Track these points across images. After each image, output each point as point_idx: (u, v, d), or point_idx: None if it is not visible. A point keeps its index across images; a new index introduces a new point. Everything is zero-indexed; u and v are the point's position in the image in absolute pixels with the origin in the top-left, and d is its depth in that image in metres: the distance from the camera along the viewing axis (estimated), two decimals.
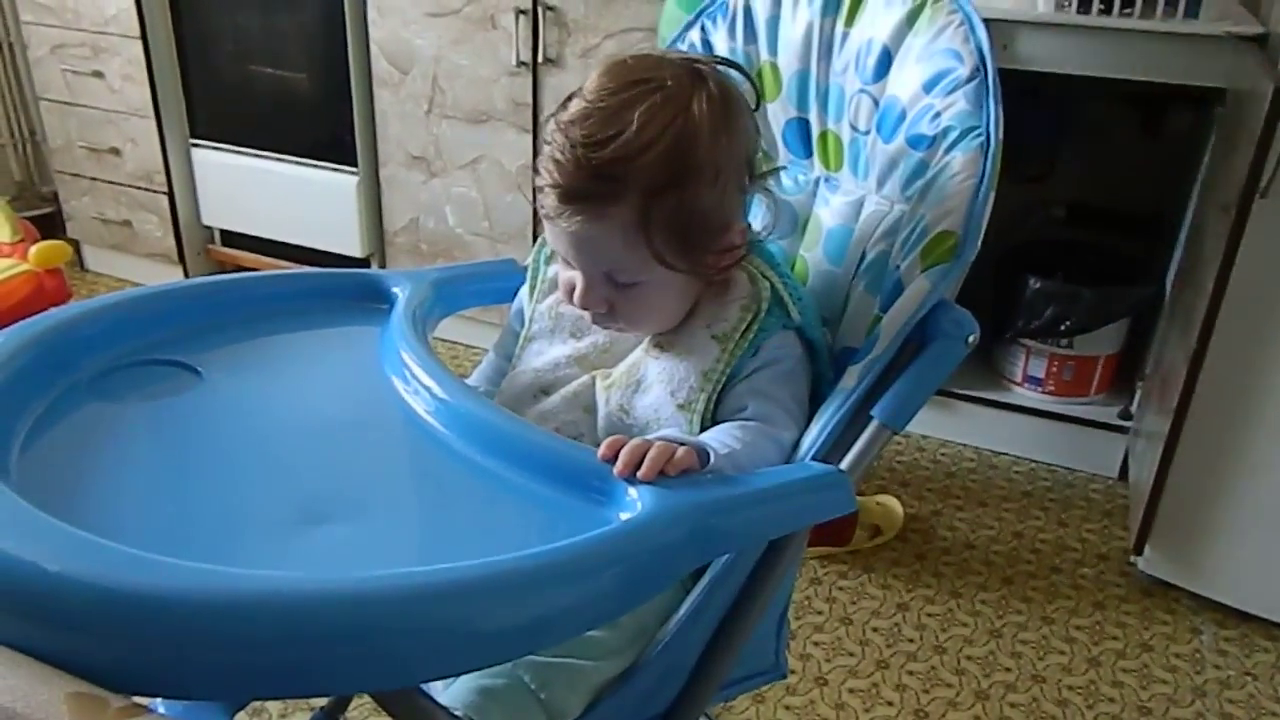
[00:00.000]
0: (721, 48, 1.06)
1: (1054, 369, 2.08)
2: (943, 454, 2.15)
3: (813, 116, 1.02)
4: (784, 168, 1.05)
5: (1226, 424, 1.60)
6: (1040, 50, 1.79)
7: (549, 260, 0.96)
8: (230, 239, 2.70)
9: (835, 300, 0.97)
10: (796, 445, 0.85)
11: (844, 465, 0.82)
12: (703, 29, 1.08)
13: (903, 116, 0.92)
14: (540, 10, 2.08)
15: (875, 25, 0.94)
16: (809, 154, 1.04)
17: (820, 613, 1.69)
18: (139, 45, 2.45)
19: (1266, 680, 1.58)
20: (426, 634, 0.58)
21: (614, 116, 0.79)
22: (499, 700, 0.78)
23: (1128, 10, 1.74)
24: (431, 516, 0.76)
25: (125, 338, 0.87)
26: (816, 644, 1.63)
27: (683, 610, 0.84)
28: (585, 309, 0.87)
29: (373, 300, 0.99)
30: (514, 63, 2.14)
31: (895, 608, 1.71)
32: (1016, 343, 2.10)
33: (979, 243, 0.85)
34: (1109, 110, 2.10)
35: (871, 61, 0.94)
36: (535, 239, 1.48)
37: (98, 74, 2.53)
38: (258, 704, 1.46)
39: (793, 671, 1.56)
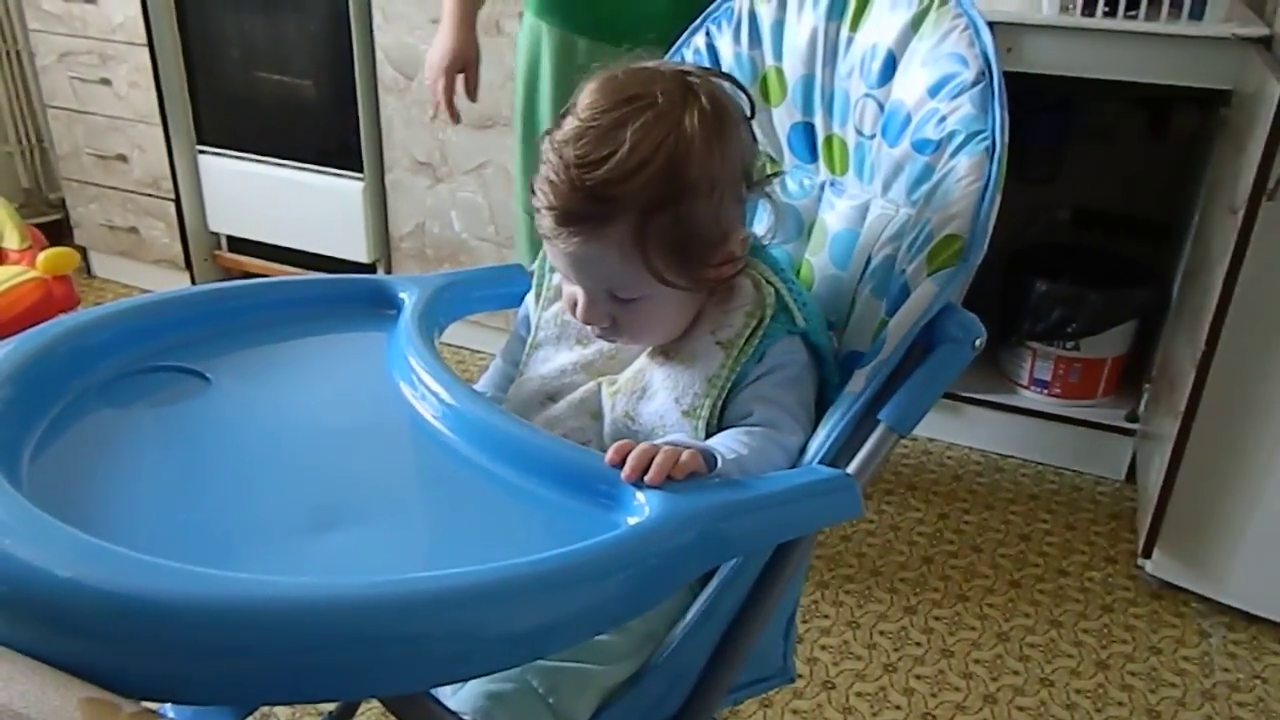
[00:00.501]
0: (726, 52, 1.06)
1: (1060, 371, 2.08)
2: (949, 457, 2.15)
3: (818, 121, 1.02)
4: (784, 172, 1.05)
5: (1235, 426, 1.60)
6: (1045, 53, 1.79)
7: (554, 268, 0.97)
8: (237, 245, 2.71)
9: (841, 304, 0.97)
10: (803, 450, 0.85)
11: (851, 469, 0.82)
12: (708, 34, 1.08)
13: (908, 121, 0.92)
14: None
15: (880, 30, 0.94)
16: (814, 158, 1.04)
17: (827, 616, 1.69)
18: (146, 53, 2.46)
19: (1276, 684, 1.57)
20: (436, 639, 0.59)
21: (607, 136, 0.79)
22: (507, 705, 0.78)
23: (1132, 12, 1.74)
24: (440, 522, 0.77)
25: (134, 344, 0.88)
26: (824, 648, 1.63)
27: (690, 615, 0.84)
28: (588, 324, 0.88)
29: (380, 306, 0.99)
30: None
31: (902, 611, 1.71)
32: (1023, 345, 2.10)
33: (985, 246, 0.85)
34: (1114, 113, 2.09)
35: (876, 66, 0.94)
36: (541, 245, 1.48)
37: (105, 81, 2.54)
38: (266, 709, 1.46)
39: (800, 675, 1.56)
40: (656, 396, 0.87)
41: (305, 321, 0.98)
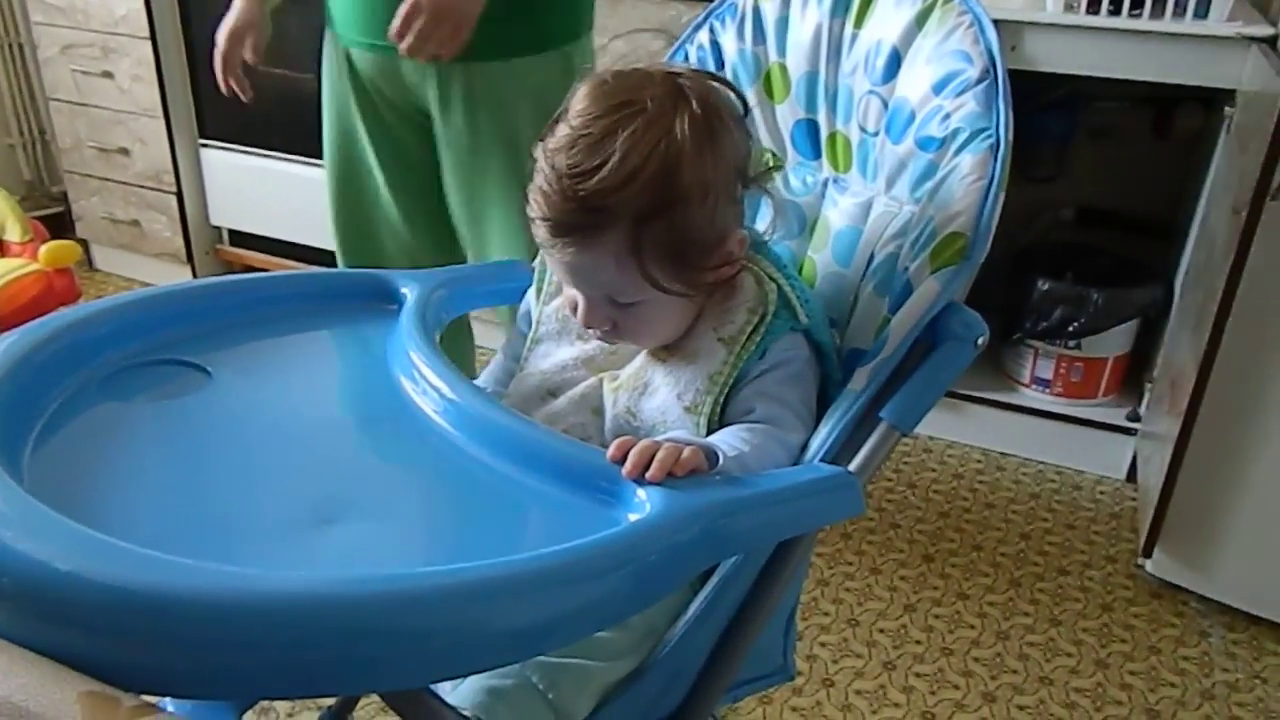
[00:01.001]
0: (730, 48, 1.06)
1: (1062, 370, 2.08)
2: (950, 455, 2.15)
3: (821, 118, 1.02)
4: (780, 168, 1.05)
5: (1236, 426, 1.60)
6: (1050, 51, 1.78)
7: None
8: (239, 239, 2.71)
9: (844, 302, 0.97)
10: (805, 447, 0.85)
11: (853, 467, 0.82)
12: (711, 30, 1.08)
13: (912, 118, 0.92)
14: None
15: (884, 26, 0.94)
16: (818, 155, 1.04)
17: (827, 614, 1.69)
18: (148, 46, 2.45)
19: (1276, 684, 1.57)
20: (436, 635, 0.58)
21: (598, 145, 0.79)
22: (507, 700, 0.78)
23: (1137, 11, 1.74)
24: (440, 517, 0.77)
25: (135, 338, 0.87)
26: (823, 645, 1.63)
27: (691, 611, 0.84)
28: (588, 328, 0.88)
29: (382, 301, 0.99)
30: None
31: (902, 609, 1.71)
32: (1025, 344, 2.10)
33: (988, 244, 0.85)
34: (1118, 111, 2.09)
35: (881, 63, 0.94)
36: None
37: (107, 74, 2.54)
38: (266, 703, 1.46)
39: (800, 673, 1.56)
40: (658, 393, 0.87)
41: (307, 316, 0.97)
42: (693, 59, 1.08)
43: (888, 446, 0.83)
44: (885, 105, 0.95)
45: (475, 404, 0.81)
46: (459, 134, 1.38)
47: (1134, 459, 2.05)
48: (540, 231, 0.83)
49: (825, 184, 1.04)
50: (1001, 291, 2.06)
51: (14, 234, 2.19)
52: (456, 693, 0.78)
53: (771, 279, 0.88)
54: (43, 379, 0.78)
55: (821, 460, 0.83)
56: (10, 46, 2.80)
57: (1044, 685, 1.56)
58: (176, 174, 2.59)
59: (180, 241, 2.67)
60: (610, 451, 0.73)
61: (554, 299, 0.96)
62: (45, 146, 2.94)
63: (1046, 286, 2.01)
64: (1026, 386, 2.13)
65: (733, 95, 0.88)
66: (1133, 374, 2.11)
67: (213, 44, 1.44)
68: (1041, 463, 2.13)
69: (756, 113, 1.06)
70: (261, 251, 2.66)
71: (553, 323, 0.96)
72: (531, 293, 1.01)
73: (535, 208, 0.82)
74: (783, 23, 1.02)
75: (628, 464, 0.71)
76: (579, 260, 0.82)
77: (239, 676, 0.56)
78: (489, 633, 0.60)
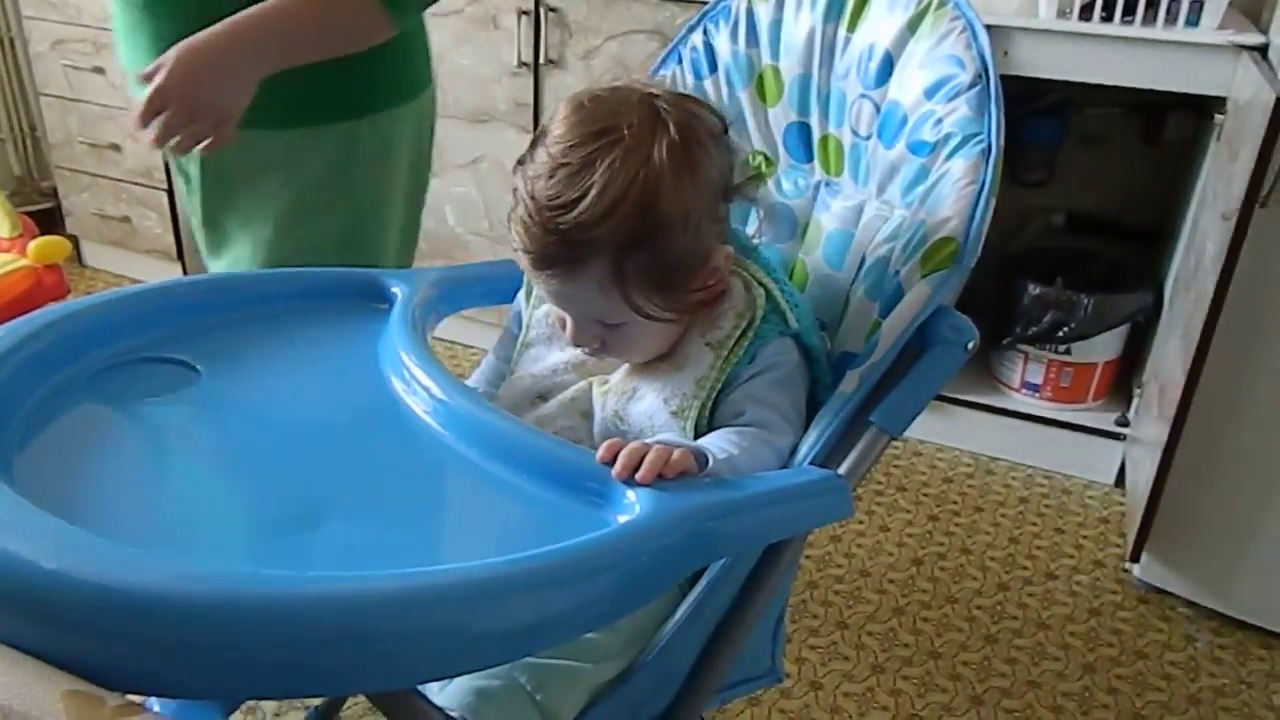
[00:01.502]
0: (724, 51, 1.06)
1: (1052, 375, 2.08)
2: (939, 459, 2.15)
3: (814, 121, 1.02)
4: (765, 175, 1.05)
5: (1224, 432, 1.60)
6: (1042, 57, 1.79)
7: None
8: None
9: (834, 305, 0.97)
10: (794, 451, 0.85)
11: (842, 470, 0.82)
12: (705, 32, 1.08)
13: (904, 122, 0.92)
14: (542, 11, 2.08)
15: (877, 30, 0.94)
16: (810, 158, 1.04)
17: (816, 617, 1.69)
18: None
19: (1261, 689, 1.58)
20: (423, 636, 0.58)
21: (576, 176, 0.78)
22: (495, 701, 0.78)
23: (1129, 18, 1.75)
24: (429, 517, 0.76)
25: (124, 335, 0.87)
26: (812, 648, 1.63)
27: (679, 614, 0.84)
28: (577, 346, 0.88)
29: (372, 300, 0.99)
30: (515, 63, 2.14)
31: (890, 612, 1.71)
32: (1014, 349, 2.10)
33: (979, 249, 0.85)
34: (1109, 118, 2.10)
35: (873, 67, 0.94)
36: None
37: (98, 70, 2.53)
38: (252, 703, 1.46)
39: (788, 675, 1.56)
40: (646, 398, 0.87)
41: (297, 314, 0.97)
42: (686, 61, 1.08)
43: (877, 450, 0.83)
44: (877, 109, 0.95)
45: (465, 404, 0.81)
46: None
47: (1122, 464, 2.05)
48: (523, 261, 0.83)
49: (817, 187, 1.04)
50: (992, 296, 2.07)
51: (3, 229, 2.18)
52: (444, 693, 0.78)
53: (760, 284, 0.88)
54: (30, 375, 0.78)
55: (811, 463, 0.83)
56: (1, 41, 2.79)
57: (1031, 689, 1.56)
58: (167, 171, 2.58)
59: (171, 238, 2.66)
60: (600, 453, 0.73)
61: (544, 303, 0.96)
62: (35, 142, 2.92)
63: (1037, 291, 2.02)
64: (1016, 391, 2.14)
65: (711, 114, 0.87)
66: (1122, 379, 2.12)
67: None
68: (1031, 467, 2.13)
69: (749, 115, 1.06)
70: None
71: (543, 327, 0.96)
72: (521, 295, 1.01)
73: (516, 239, 0.82)
74: (776, 25, 1.02)
75: (617, 465, 0.71)
76: (564, 289, 0.83)
77: (225, 676, 0.56)
78: (477, 634, 0.60)
